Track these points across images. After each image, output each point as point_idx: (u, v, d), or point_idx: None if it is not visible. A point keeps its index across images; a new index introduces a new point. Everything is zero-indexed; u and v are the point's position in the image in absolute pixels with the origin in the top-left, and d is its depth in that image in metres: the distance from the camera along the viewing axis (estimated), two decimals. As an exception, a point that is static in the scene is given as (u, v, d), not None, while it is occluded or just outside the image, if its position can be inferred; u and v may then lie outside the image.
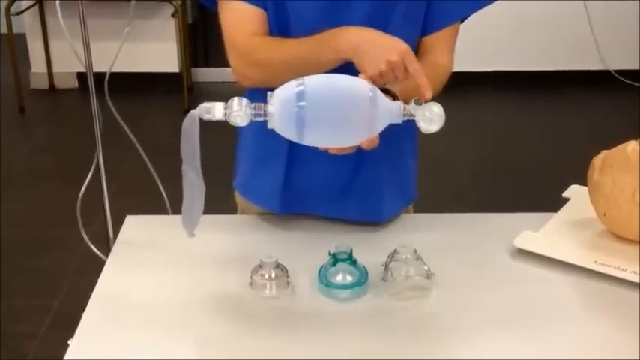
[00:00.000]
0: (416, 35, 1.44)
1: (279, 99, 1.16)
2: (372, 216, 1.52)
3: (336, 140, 1.20)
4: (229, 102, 1.16)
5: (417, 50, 1.46)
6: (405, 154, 1.58)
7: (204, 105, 1.17)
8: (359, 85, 1.18)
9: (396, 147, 1.51)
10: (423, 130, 1.19)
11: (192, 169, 1.21)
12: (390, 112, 1.18)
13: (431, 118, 1.17)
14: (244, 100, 1.16)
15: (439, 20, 1.43)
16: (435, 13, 1.42)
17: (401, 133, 1.51)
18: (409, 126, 1.54)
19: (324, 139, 1.19)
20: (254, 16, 1.39)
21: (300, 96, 1.14)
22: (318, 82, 1.17)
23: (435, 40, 1.44)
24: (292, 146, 1.46)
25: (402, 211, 1.59)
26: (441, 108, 1.17)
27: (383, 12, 1.37)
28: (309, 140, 1.18)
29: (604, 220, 1.45)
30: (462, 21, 1.47)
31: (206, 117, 1.17)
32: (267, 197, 1.54)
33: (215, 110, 1.16)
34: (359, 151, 1.42)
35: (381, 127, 1.19)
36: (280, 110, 1.15)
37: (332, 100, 1.16)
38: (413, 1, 1.39)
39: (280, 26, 1.40)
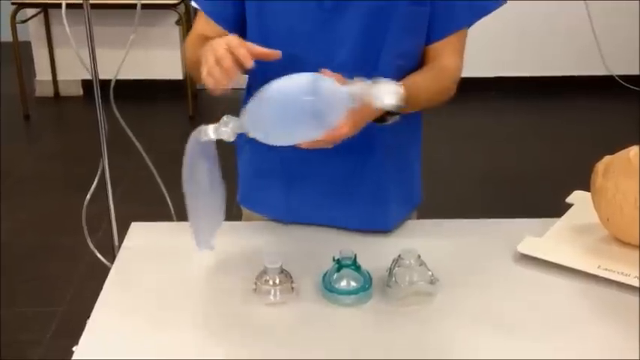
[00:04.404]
0: (419, 45, 1.44)
1: (245, 109, 1.22)
2: (377, 224, 1.52)
3: (293, 137, 1.22)
4: (221, 120, 1.22)
5: (423, 57, 1.46)
6: (410, 159, 1.58)
7: (199, 128, 1.23)
8: (297, 80, 1.20)
9: (400, 152, 1.52)
10: (380, 106, 1.18)
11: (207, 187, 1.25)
12: (340, 98, 1.18)
13: (387, 92, 1.16)
14: (231, 117, 1.22)
15: (443, 28, 1.43)
16: (439, 21, 1.42)
17: (405, 137, 1.52)
18: (414, 130, 1.54)
19: (282, 137, 1.22)
20: (208, 34, 1.45)
21: (249, 103, 1.21)
22: (264, 87, 1.22)
23: (441, 47, 1.44)
24: (289, 153, 1.46)
25: (408, 216, 1.59)
26: (397, 84, 1.17)
27: (379, 23, 1.37)
28: (274, 140, 1.23)
29: (607, 226, 1.45)
30: (469, 26, 1.47)
31: (203, 139, 1.23)
32: (273, 206, 1.55)
33: (209, 131, 1.22)
34: (361, 158, 1.44)
35: (335, 116, 1.19)
36: (245, 119, 1.22)
37: (271, 101, 1.20)
38: (412, 9, 1.38)
39: (271, 37, 1.40)
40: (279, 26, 1.40)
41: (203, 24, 1.46)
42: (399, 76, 1.41)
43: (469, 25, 1.46)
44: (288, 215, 1.54)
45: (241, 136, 1.59)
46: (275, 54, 1.26)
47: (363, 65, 1.39)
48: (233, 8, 1.43)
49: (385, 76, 1.38)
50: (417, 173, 1.61)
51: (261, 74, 1.44)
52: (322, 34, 1.39)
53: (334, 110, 1.19)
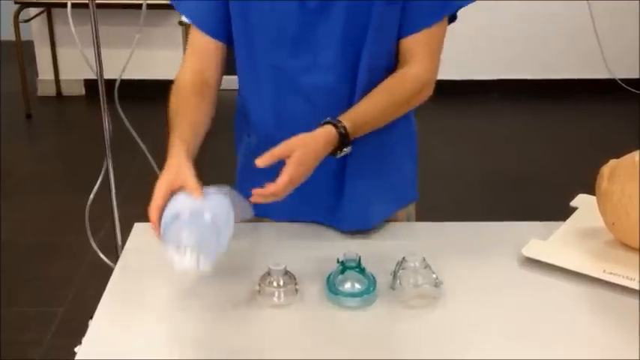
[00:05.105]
0: (392, 47, 1.44)
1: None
2: (359, 224, 1.51)
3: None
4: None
5: (395, 58, 1.45)
6: (395, 155, 1.56)
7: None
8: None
9: (381, 149, 1.50)
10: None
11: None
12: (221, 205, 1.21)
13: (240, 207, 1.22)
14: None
15: (412, 25, 1.41)
16: (407, 18, 1.41)
17: (387, 135, 1.50)
18: (399, 127, 1.53)
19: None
20: (203, 50, 1.46)
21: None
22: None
23: (411, 44, 1.43)
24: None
25: (405, 215, 1.58)
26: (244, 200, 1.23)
27: (359, 24, 1.37)
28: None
29: (613, 229, 1.45)
30: (450, 21, 1.45)
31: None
32: (263, 206, 1.55)
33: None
34: (337, 165, 1.47)
35: (224, 215, 1.20)
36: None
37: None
38: (387, 8, 1.38)
39: (256, 40, 1.41)
40: (264, 29, 1.40)
41: (195, 34, 1.47)
42: (375, 76, 1.42)
43: (435, 22, 1.42)
44: (278, 214, 1.55)
45: (240, 141, 1.59)
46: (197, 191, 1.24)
47: (345, 67, 1.40)
48: (218, 13, 1.43)
49: (363, 77, 1.40)
50: (406, 170, 1.59)
51: (251, 77, 1.45)
52: (306, 36, 1.39)
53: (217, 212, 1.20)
